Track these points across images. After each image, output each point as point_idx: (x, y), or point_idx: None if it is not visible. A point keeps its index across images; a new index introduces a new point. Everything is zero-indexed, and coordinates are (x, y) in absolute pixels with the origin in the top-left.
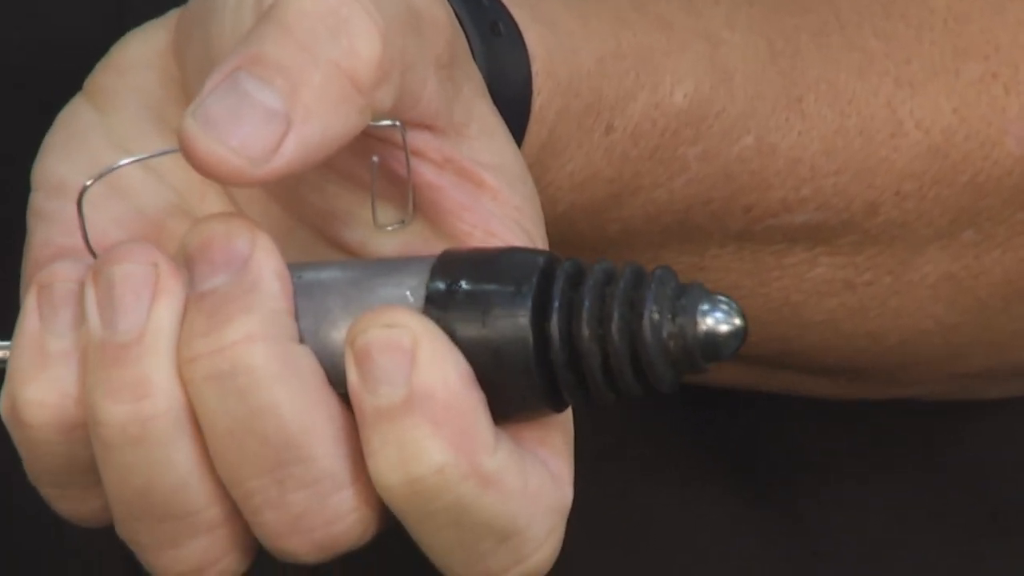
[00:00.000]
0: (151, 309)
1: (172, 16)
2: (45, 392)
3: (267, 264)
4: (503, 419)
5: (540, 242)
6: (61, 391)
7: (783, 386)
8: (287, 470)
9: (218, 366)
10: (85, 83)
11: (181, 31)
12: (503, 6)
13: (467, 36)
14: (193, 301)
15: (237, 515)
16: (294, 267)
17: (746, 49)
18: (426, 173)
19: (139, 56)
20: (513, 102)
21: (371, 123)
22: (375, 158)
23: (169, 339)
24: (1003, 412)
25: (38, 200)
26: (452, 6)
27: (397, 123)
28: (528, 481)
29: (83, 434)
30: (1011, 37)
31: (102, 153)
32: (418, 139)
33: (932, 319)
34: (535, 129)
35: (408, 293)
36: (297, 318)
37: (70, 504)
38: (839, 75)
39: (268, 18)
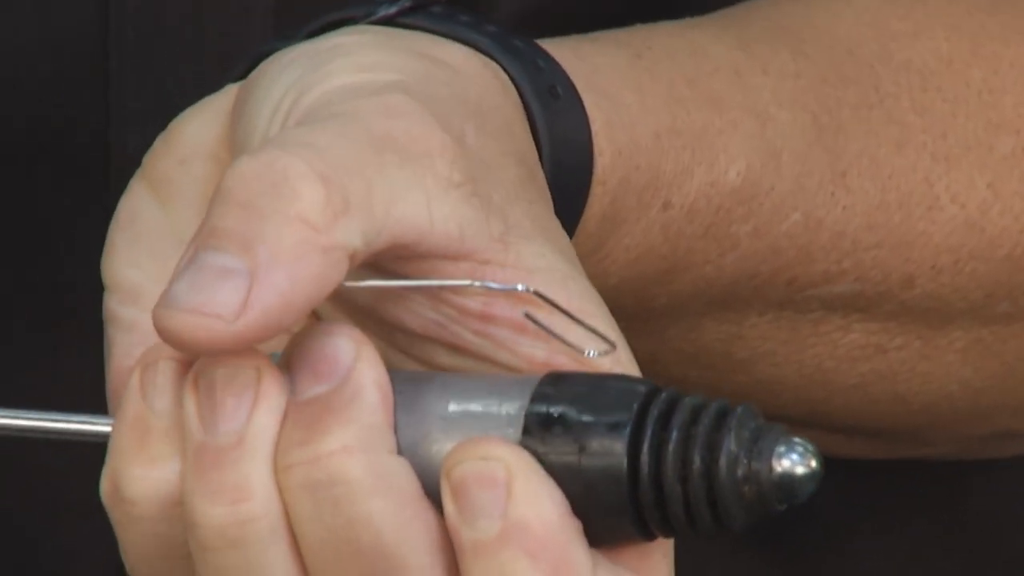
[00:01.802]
0: (252, 414)
1: (229, 94)
2: (147, 467)
3: (369, 375)
4: (597, 544)
5: (611, 332)
6: (163, 467)
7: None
8: None
9: (314, 476)
10: (144, 164)
11: (234, 118)
12: (561, 69)
13: (525, 100)
14: (292, 409)
15: None
16: (396, 377)
17: (793, 125)
18: (473, 306)
19: (199, 145)
20: (575, 166)
21: (492, 287)
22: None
23: (268, 445)
24: (1016, 466)
25: (113, 305)
26: (507, 70)
27: (519, 287)
28: None
29: (181, 515)
30: None
31: (169, 253)
32: (460, 270)
33: (959, 383)
34: (598, 193)
35: (506, 418)
36: (396, 431)
37: None
38: (879, 149)
39: (216, 193)
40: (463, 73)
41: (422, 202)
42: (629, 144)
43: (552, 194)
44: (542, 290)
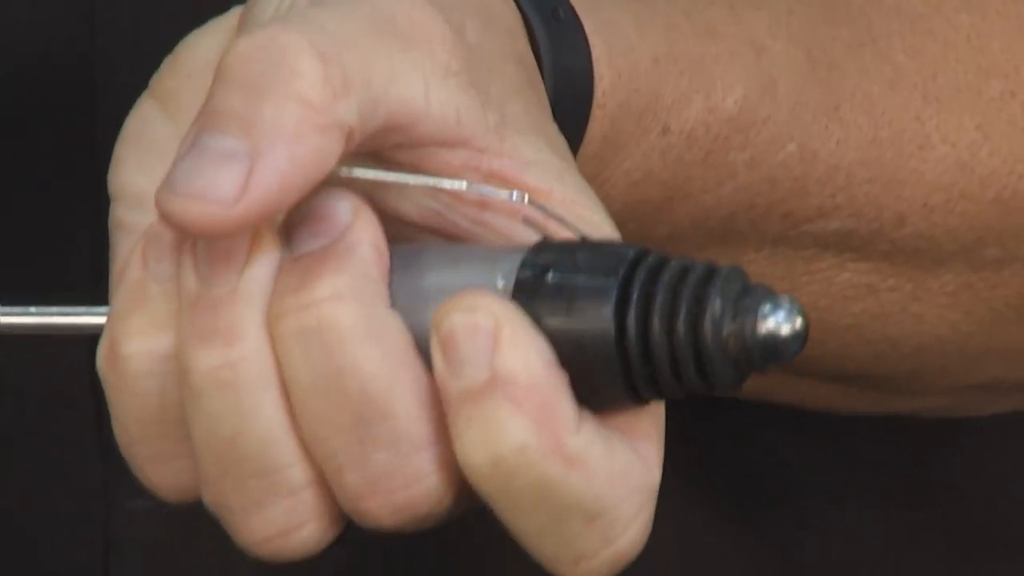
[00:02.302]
0: (246, 266)
1: (234, 15)
2: (144, 324)
3: (365, 232)
4: (587, 406)
5: (608, 227)
6: (159, 324)
7: (796, 397)
8: (369, 429)
9: (305, 322)
10: (152, 84)
11: (241, 23)
12: None
13: (528, 21)
14: (288, 262)
15: (322, 481)
16: (394, 247)
17: (788, 58)
18: (457, 183)
19: (204, 58)
20: (577, 89)
21: (490, 195)
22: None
23: (262, 294)
24: (988, 433)
25: (119, 212)
26: None
27: (514, 196)
28: (614, 461)
29: (176, 369)
30: None
31: None
32: (454, 160)
33: (949, 326)
34: (598, 116)
35: (499, 278)
36: (391, 291)
37: (158, 467)
38: (872, 87)
39: (216, 73)
40: None
41: (420, 85)
42: (628, 68)
43: (556, 111)
44: (538, 183)
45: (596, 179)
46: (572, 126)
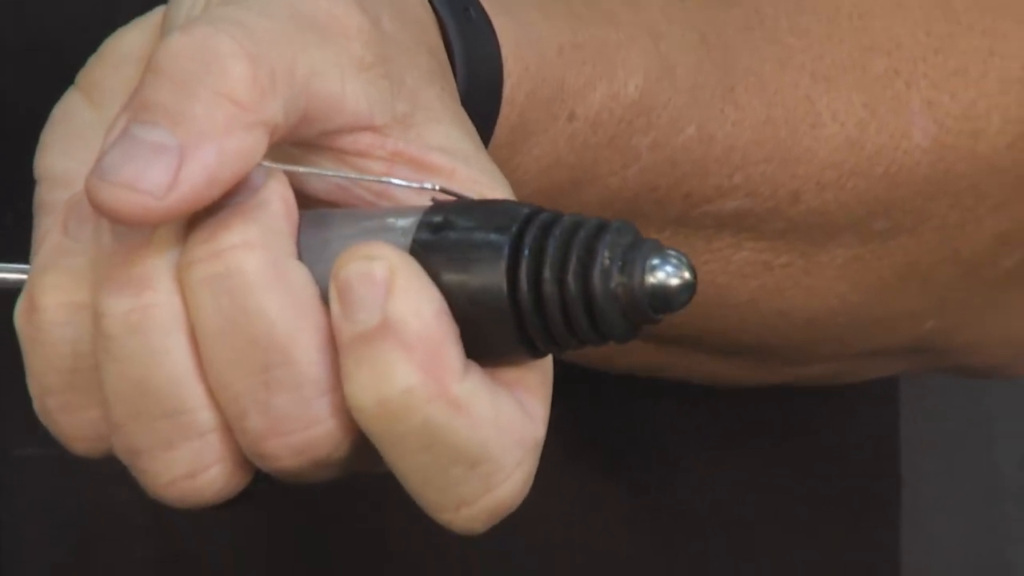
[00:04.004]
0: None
1: (158, 13)
2: (61, 280)
3: (275, 192)
4: (482, 361)
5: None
6: (75, 279)
7: (690, 370)
8: (272, 372)
9: (214, 269)
10: (77, 78)
11: (165, 16)
12: None
13: (441, 20)
14: (201, 216)
15: (227, 427)
16: (303, 211)
17: (683, 42)
18: (375, 168)
19: (130, 51)
20: (486, 84)
21: (410, 186)
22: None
23: (174, 246)
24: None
25: (43, 194)
26: None
27: (425, 185)
28: (499, 412)
29: (89, 320)
30: (910, 34)
31: (99, 146)
32: (361, 141)
33: (838, 297)
34: (506, 111)
35: (399, 231)
36: (299, 247)
37: (69, 416)
38: (764, 67)
39: (147, 67)
40: None
41: (337, 79)
42: (536, 60)
43: (467, 105)
44: (442, 164)
45: (507, 166)
46: (482, 118)
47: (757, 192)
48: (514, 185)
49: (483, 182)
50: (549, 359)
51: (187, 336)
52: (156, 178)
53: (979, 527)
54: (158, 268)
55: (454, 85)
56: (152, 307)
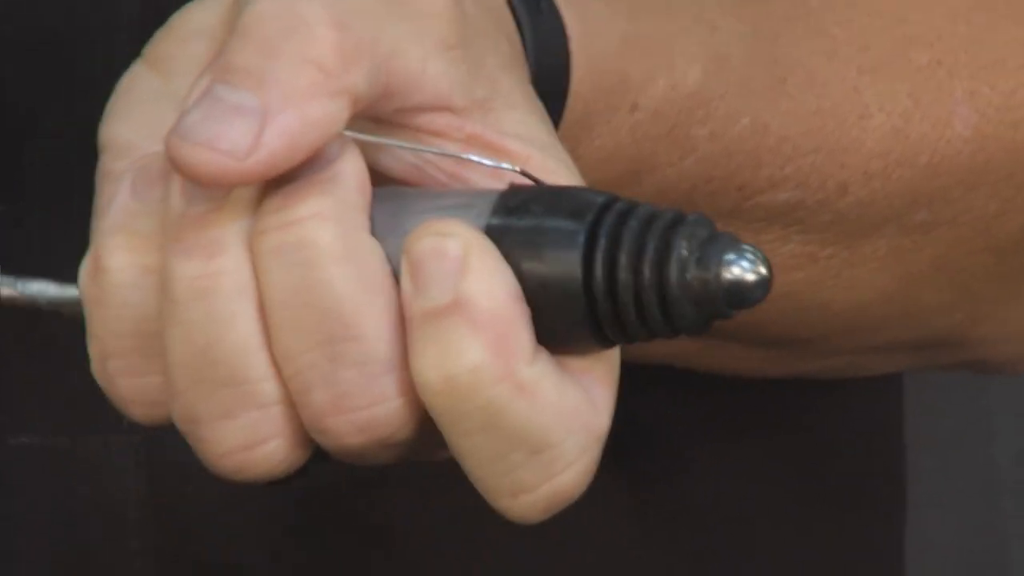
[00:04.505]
0: (232, 189)
1: None
2: (128, 241)
3: (351, 165)
4: (551, 349)
5: None
6: (143, 241)
7: (721, 361)
8: (339, 346)
9: (286, 238)
10: (144, 51)
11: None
12: None
13: (515, 11)
14: (274, 184)
15: (291, 401)
16: (376, 188)
17: (736, 33)
18: (451, 150)
19: (198, 26)
20: (554, 76)
21: (491, 164)
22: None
23: (246, 212)
24: (854, 389)
25: (107, 161)
26: None
27: (504, 165)
28: (565, 398)
29: (156, 283)
30: (950, 25)
31: (167, 116)
32: (439, 121)
33: (876, 290)
34: (572, 103)
35: (474, 212)
36: (372, 222)
37: (129, 380)
38: (812, 58)
39: (233, 30)
40: None
41: (419, 57)
42: (600, 52)
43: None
44: (518, 150)
45: (571, 156)
46: (549, 110)
47: (807, 183)
48: None
49: (557, 171)
50: (616, 352)
51: (255, 306)
52: (237, 139)
53: (977, 522)
54: (229, 234)
55: (528, 75)
56: (221, 274)
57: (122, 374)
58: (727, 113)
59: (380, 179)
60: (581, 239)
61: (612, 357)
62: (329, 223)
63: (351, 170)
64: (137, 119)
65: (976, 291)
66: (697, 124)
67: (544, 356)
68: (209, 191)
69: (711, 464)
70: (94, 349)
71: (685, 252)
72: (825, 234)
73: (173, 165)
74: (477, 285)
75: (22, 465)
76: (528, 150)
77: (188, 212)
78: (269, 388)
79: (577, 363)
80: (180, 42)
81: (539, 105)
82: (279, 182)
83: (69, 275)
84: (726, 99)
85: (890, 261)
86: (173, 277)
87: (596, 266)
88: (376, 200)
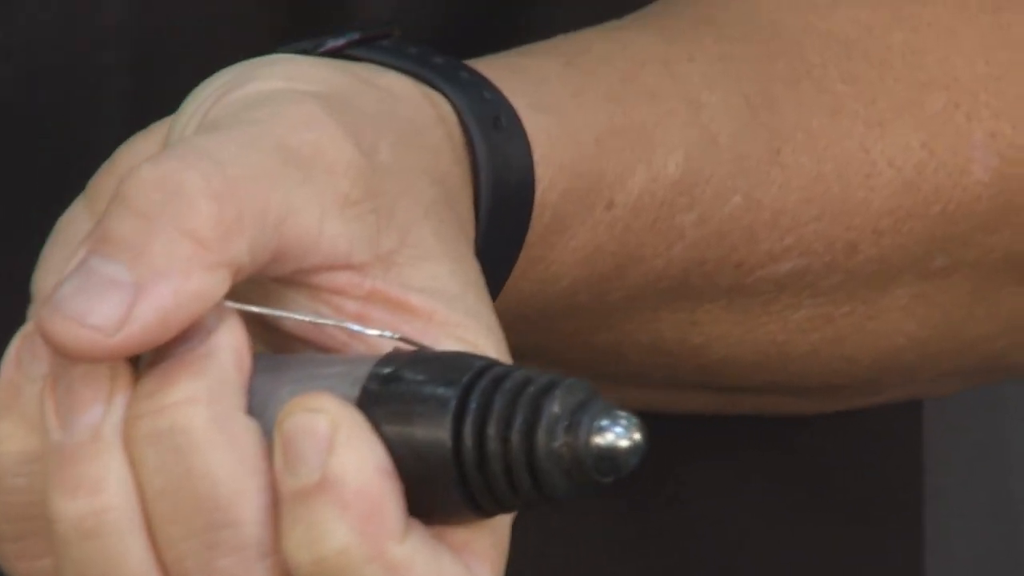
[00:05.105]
0: (107, 412)
1: (167, 123)
2: (15, 427)
3: (228, 338)
4: (427, 518)
5: (492, 351)
6: (29, 425)
7: (759, 407)
8: (216, 533)
9: (158, 425)
10: (87, 187)
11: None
12: (506, 100)
13: (468, 131)
14: (149, 367)
15: None
16: (260, 354)
17: (726, 108)
18: (351, 307)
19: (136, 160)
20: (517, 191)
21: (371, 334)
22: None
23: (121, 402)
24: (846, 417)
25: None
26: (452, 101)
27: (386, 334)
28: (440, 575)
29: (42, 470)
30: (968, 66)
31: None
32: (339, 279)
33: (905, 336)
34: (538, 213)
35: (349, 381)
36: (251, 396)
37: (27, 564)
38: (813, 120)
39: (114, 196)
40: (396, 95)
41: (315, 218)
42: (572, 156)
43: (493, 218)
44: (422, 305)
45: (543, 261)
46: (513, 227)
47: (811, 250)
48: (551, 278)
49: (465, 325)
50: (503, 523)
51: (146, 533)
52: (107, 313)
53: (996, 541)
54: (109, 466)
55: (465, 213)
56: (107, 511)
57: (18, 558)
58: (715, 194)
59: (278, 336)
60: (451, 406)
61: (498, 529)
62: (203, 406)
63: (228, 344)
64: (64, 267)
65: (1019, 316)
66: (682, 212)
67: (417, 532)
68: (84, 417)
69: (727, 485)
70: None
71: (554, 420)
72: (838, 294)
73: (43, 339)
74: (344, 462)
75: None
76: (433, 305)
77: (65, 443)
78: None
79: (458, 535)
80: (116, 179)
81: (460, 252)
82: (155, 359)
83: None
84: (713, 181)
85: (915, 308)
86: (57, 518)
87: (465, 435)
88: (257, 369)
